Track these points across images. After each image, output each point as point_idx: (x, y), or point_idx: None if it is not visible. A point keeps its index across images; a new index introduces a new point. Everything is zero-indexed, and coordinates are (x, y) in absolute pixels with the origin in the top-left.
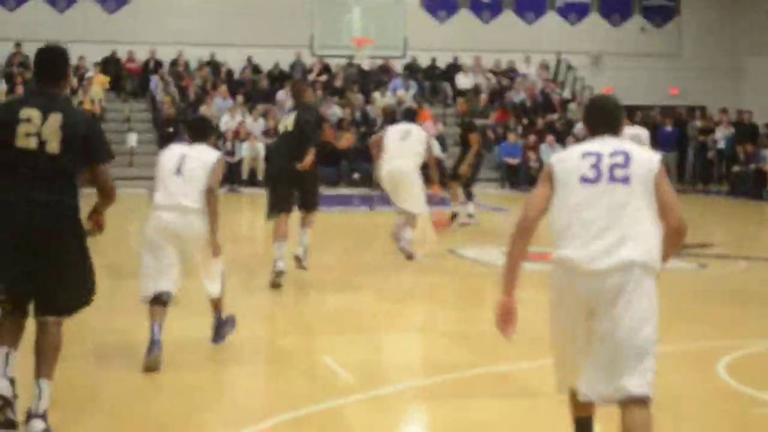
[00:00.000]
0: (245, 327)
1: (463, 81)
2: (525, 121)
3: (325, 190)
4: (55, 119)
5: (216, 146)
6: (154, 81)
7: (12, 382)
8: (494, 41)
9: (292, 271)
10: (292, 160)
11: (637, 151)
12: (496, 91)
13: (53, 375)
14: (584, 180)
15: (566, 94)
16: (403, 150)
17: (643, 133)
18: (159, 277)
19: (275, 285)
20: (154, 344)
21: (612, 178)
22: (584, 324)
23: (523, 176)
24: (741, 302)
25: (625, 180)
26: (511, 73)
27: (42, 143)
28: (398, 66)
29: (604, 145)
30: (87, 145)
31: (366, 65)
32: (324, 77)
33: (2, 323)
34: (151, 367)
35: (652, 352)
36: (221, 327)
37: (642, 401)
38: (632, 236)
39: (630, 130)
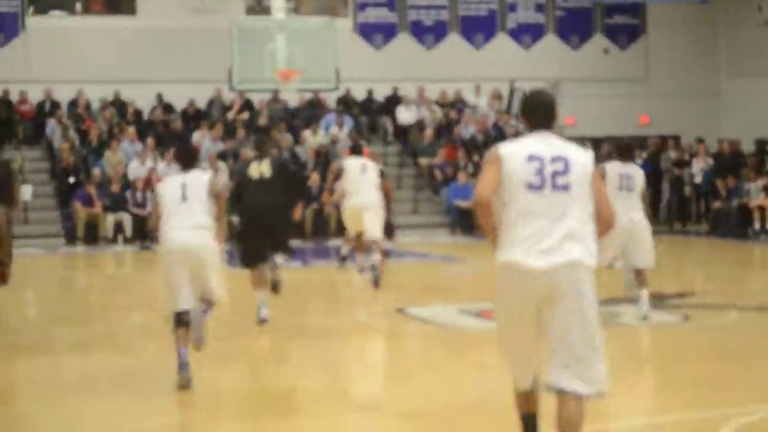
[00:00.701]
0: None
1: (405, 115)
2: (476, 158)
3: None
4: None
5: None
6: (51, 125)
7: None
8: (439, 69)
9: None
10: (272, 210)
11: (573, 153)
12: (443, 125)
13: None
14: (530, 186)
15: (522, 126)
16: (365, 184)
17: (638, 173)
18: (178, 296)
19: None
20: (183, 366)
21: (554, 186)
22: (532, 321)
23: (476, 220)
24: (736, 359)
25: (566, 187)
26: (459, 104)
27: None
28: (331, 100)
29: (545, 146)
30: None
31: (294, 100)
32: (246, 115)
33: None
34: (184, 385)
35: (598, 348)
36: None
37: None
38: (573, 237)
39: (623, 168)
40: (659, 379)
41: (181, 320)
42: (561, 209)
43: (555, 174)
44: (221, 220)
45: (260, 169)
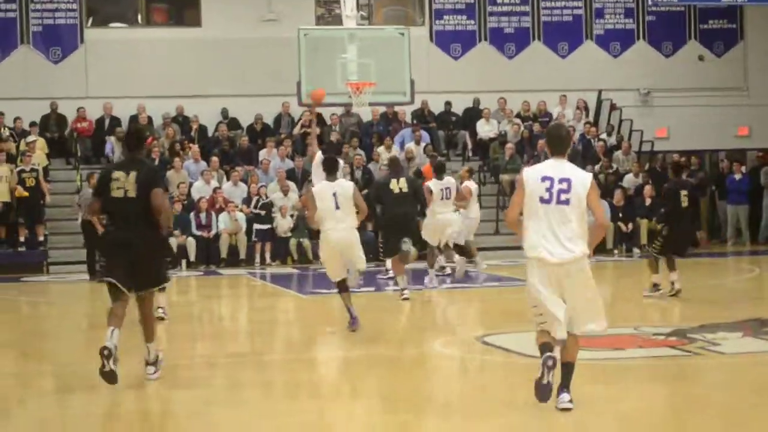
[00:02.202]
0: None
1: (485, 129)
2: None
3: None
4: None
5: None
6: (110, 143)
7: None
8: (521, 79)
9: None
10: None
11: (576, 176)
12: (526, 139)
13: None
14: (542, 200)
15: (611, 140)
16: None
17: None
18: (336, 272)
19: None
20: (354, 319)
21: (559, 201)
22: (555, 292)
23: None
24: None
25: (567, 202)
26: (542, 117)
27: None
28: (406, 113)
29: (556, 169)
30: None
31: (367, 114)
32: (316, 130)
33: None
34: (354, 330)
35: (599, 303)
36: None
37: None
38: (574, 239)
39: None
40: (754, 412)
41: (341, 286)
42: (563, 218)
43: (560, 191)
44: (363, 213)
45: (400, 185)
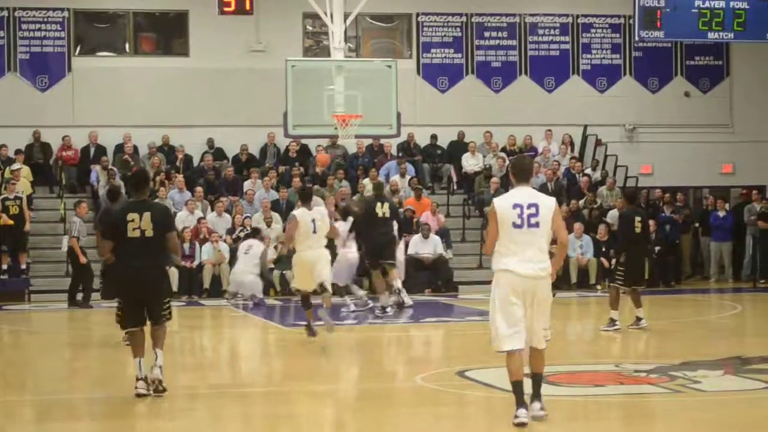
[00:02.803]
0: None
1: (471, 162)
2: None
3: None
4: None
5: None
6: (95, 172)
7: None
8: (507, 113)
9: None
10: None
11: (542, 201)
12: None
13: None
14: (515, 225)
15: (595, 175)
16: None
17: None
18: (306, 283)
19: None
20: (312, 331)
21: (530, 225)
22: (519, 305)
23: None
24: None
25: (537, 225)
26: (528, 151)
27: None
28: (392, 146)
29: (524, 196)
30: None
31: (352, 146)
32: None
33: None
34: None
35: (549, 319)
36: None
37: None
38: (543, 260)
39: None
40: None
41: (306, 301)
42: (533, 238)
43: (530, 216)
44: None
45: (382, 209)
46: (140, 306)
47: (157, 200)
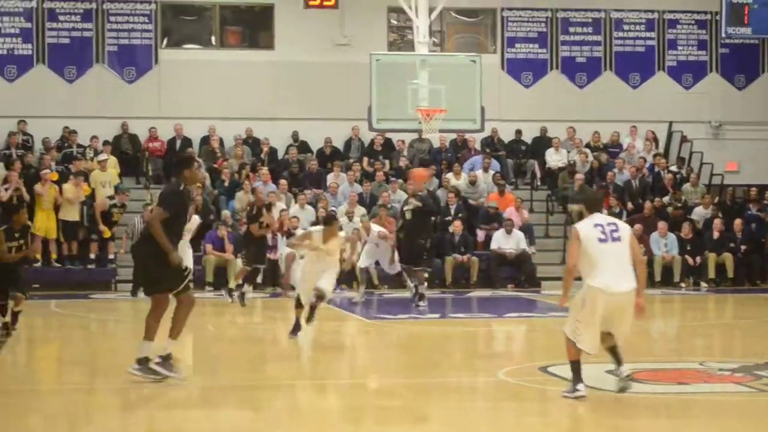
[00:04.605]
0: None
1: (554, 158)
2: (630, 204)
3: None
4: None
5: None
6: None
7: None
8: (591, 109)
9: None
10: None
11: (619, 222)
12: (595, 169)
13: None
14: (599, 240)
15: (680, 172)
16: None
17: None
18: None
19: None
20: (295, 328)
21: (613, 239)
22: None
23: None
24: None
25: (620, 239)
26: (612, 147)
27: None
28: (476, 140)
29: (601, 219)
30: None
31: (437, 141)
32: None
33: None
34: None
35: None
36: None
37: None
38: (629, 272)
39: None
40: None
41: (301, 304)
42: (620, 252)
43: (612, 231)
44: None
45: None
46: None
47: (240, 191)
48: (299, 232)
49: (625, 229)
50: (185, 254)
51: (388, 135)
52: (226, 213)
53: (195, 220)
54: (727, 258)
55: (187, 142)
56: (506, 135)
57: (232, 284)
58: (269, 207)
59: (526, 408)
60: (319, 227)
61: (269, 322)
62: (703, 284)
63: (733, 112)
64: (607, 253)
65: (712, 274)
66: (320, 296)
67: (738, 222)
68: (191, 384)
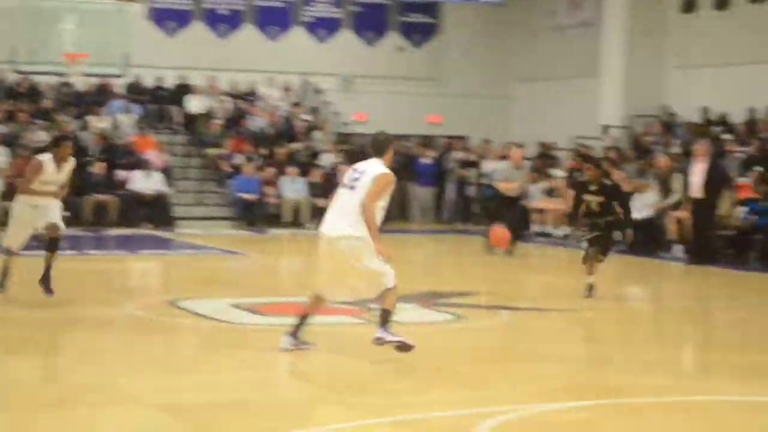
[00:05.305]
0: None
1: (194, 104)
2: (264, 150)
3: None
4: None
5: None
6: None
7: None
8: (231, 59)
9: None
10: None
11: (369, 170)
12: (233, 116)
13: None
14: (342, 185)
15: (312, 120)
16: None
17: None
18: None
19: None
20: None
21: (351, 187)
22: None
23: (260, 214)
24: (499, 359)
25: (353, 188)
26: (250, 96)
27: None
28: (120, 86)
29: (360, 165)
30: None
31: (82, 85)
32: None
33: None
34: None
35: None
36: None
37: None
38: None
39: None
40: (420, 377)
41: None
42: (346, 201)
43: (354, 179)
44: None
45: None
46: None
47: None
48: None
49: (368, 175)
50: None
51: (35, 78)
52: None
53: None
54: None
55: None
56: (149, 81)
57: None
58: None
59: (154, 340)
60: None
61: None
62: None
63: (363, 66)
64: (338, 198)
65: None
66: None
67: None
68: None
